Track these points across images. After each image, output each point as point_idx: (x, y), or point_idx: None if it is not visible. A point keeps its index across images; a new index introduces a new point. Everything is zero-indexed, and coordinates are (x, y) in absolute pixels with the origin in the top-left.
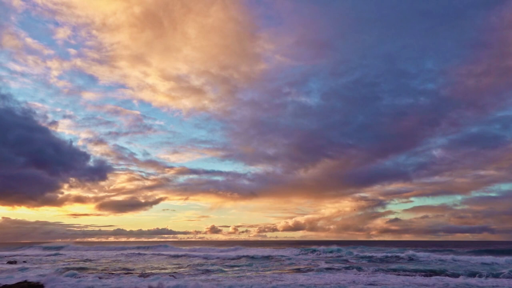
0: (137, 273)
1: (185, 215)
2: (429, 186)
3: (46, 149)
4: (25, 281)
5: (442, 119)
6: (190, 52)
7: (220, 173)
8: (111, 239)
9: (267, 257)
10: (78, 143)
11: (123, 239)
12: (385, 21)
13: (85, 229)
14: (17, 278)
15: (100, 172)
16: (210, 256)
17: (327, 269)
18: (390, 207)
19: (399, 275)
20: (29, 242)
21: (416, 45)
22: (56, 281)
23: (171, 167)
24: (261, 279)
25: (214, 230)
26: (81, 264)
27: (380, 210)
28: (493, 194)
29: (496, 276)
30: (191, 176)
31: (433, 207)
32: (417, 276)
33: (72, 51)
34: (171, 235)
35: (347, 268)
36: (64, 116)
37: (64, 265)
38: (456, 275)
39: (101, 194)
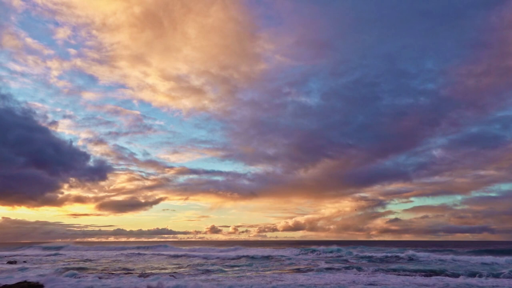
0: (137, 273)
1: (185, 215)
2: (429, 186)
3: (46, 149)
4: (25, 281)
5: (442, 119)
6: (190, 52)
7: (220, 173)
8: (111, 239)
9: (267, 257)
10: (78, 143)
11: (123, 239)
12: (385, 21)
13: (85, 229)
14: (17, 278)
15: (100, 172)
16: (210, 256)
17: (327, 269)
18: (390, 207)
19: (399, 275)
20: (29, 242)
21: (416, 45)
22: (56, 281)
23: (171, 167)
24: (261, 279)
25: (214, 230)
26: (81, 264)
27: (380, 210)
28: (493, 194)
29: (496, 276)
30: (191, 176)
31: (433, 207)
32: (417, 276)
33: (72, 51)
34: (171, 235)
35: (347, 268)
36: (64, 116)
37: (64, 265)
38: (456, 275)
39: (101, 194)
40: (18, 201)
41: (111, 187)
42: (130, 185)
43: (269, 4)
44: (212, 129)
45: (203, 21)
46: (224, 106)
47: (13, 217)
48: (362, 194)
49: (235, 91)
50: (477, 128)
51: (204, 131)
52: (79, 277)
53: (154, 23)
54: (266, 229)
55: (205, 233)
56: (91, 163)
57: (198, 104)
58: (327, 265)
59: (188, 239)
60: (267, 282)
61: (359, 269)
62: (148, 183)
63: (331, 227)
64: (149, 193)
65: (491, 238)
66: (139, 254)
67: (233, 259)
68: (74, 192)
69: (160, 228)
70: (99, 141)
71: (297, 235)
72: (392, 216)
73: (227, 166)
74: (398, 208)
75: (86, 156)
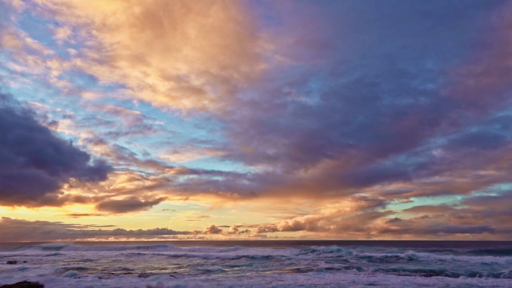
0: (137, 273)
1: (185, 215)
2: (429, 186)
3: (46, 149)
4: (25, 281)
5: (442, 119)
6: (190, 52)
7: (220, 173)
8: (111, 239)
9: (267, 257)
10: (78, 143)
11: (123, 239)
12: (385, 21)
13: (85, 229)
14: (17, 278)
15: (100, 172)
16: (210, 256)
17: (327, 269)
18: (390, 207)
19: (399, 275)
20: (29, 242)
21: (416, 45)
22: (55, 281)
23: (171, 167)
24: (261, 279)
25: (214, 230)
26: (81, 264)
27: (380, 210)
28: (493, 194)
29: (496, 276)
30: (191, 176)
31: (433, 207)
32: (417, 276)
33: (72, 51)
34: (171, 235)
35: (347, 268)
36: (64, 116)
37: (64, 265)
38: (456, 275)
39: (101, 194)
40: (18, 201)
41: (111, 187)
42: (130, 185)
43: (269, 4)
44: (212, 129)
45: (203, 21)
46: (224, 106)
47: (13, 217)
48: (362, 194)
49: (235, 91)
50: (477, 128)
51: (204, 131)
52: (79, 277)
53: (154, 23)
54: (266, 229)
55: (205, 233)
56: (91, 163)
57: (198, 104)
58: (327, 265)
59: (188, 239)
60: (267, 282)
61: (359, 269)
62: (148, 183)
63: (331, 227)
64: (149, 193)
65: (491, 238)
66: (139, 254)
67: (233, 259)
68: (74, 192)
69: (160, 228)
70: (99, 141)
71: (297, 235)
72: (392, 216)
73: (227, 166)
74: (398, 208)
75: (86, 156)
